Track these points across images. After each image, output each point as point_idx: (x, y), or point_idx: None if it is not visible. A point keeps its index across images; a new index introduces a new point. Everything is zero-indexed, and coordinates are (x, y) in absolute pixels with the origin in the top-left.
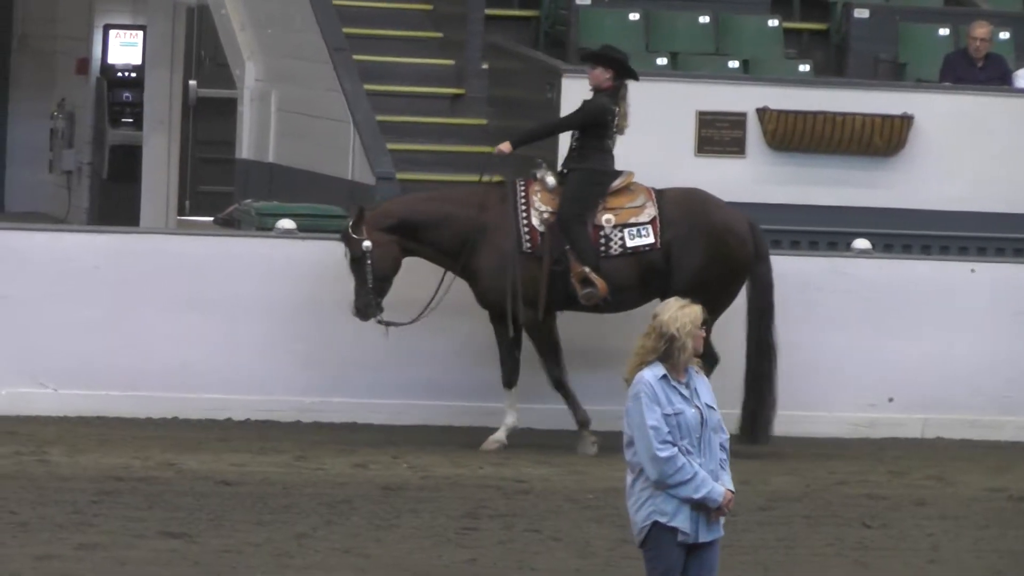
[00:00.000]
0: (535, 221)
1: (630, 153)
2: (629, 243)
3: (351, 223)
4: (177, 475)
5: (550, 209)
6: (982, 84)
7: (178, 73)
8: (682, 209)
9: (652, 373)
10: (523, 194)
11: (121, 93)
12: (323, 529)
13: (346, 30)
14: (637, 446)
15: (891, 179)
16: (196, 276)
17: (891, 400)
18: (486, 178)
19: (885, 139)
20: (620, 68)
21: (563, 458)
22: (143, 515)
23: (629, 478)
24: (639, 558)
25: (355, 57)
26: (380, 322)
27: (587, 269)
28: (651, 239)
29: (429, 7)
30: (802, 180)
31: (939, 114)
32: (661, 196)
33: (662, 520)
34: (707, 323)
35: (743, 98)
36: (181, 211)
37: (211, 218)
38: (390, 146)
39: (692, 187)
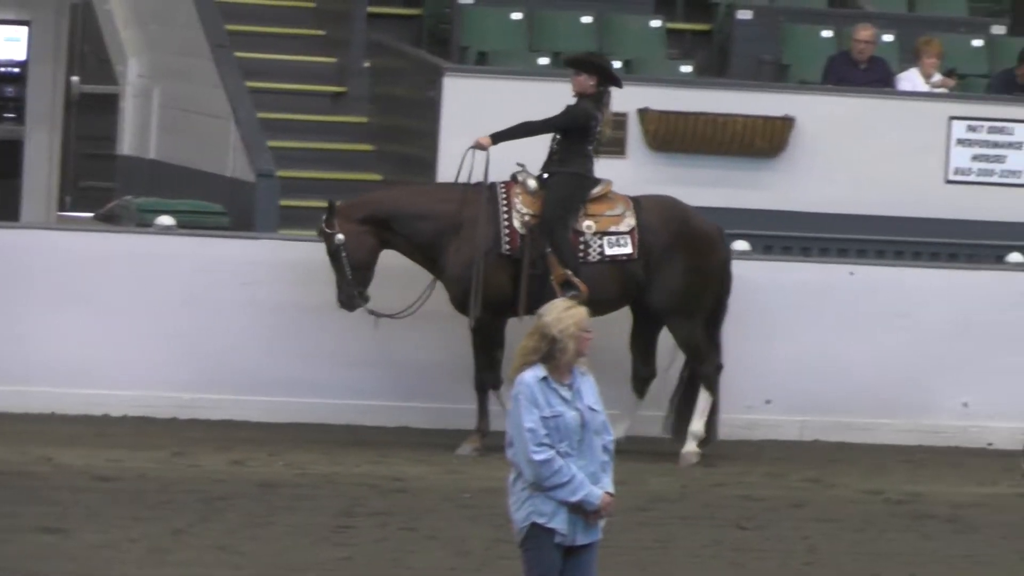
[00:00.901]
0: (516, 223)
1: (511, 152)
2: (608, 251)
3: (323, 218)
4: (54, 470)
5: (531, 212)
6: (865, 86)
7: (61, 69)
8: (660, 218)
9: (533, 374)
10: (504, 196)
11: (3, 88)
12: (199, 526)
13: (229, 27)
14: (516, 447)
15: (772, 181)
16: (76, 271)
17: (768, 402)
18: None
19: (767, 141)
20: (603, 74)
21: (440, 457)
22: (19, 510)
23: (511, 477)
24: (516, 557)
25: (237, 54)
26: (368, 312)
27: (569, 272)
28: (629, 249)
29: (312, 4)
30: (683, 181)
31: (821, 116)
32: (638, 205)
33: (540, 521)
34: (688, 325)
35: (625, 98)
36: (62, 207)
37: (92, 214)
38: (271, 143)
39: (666, 195)
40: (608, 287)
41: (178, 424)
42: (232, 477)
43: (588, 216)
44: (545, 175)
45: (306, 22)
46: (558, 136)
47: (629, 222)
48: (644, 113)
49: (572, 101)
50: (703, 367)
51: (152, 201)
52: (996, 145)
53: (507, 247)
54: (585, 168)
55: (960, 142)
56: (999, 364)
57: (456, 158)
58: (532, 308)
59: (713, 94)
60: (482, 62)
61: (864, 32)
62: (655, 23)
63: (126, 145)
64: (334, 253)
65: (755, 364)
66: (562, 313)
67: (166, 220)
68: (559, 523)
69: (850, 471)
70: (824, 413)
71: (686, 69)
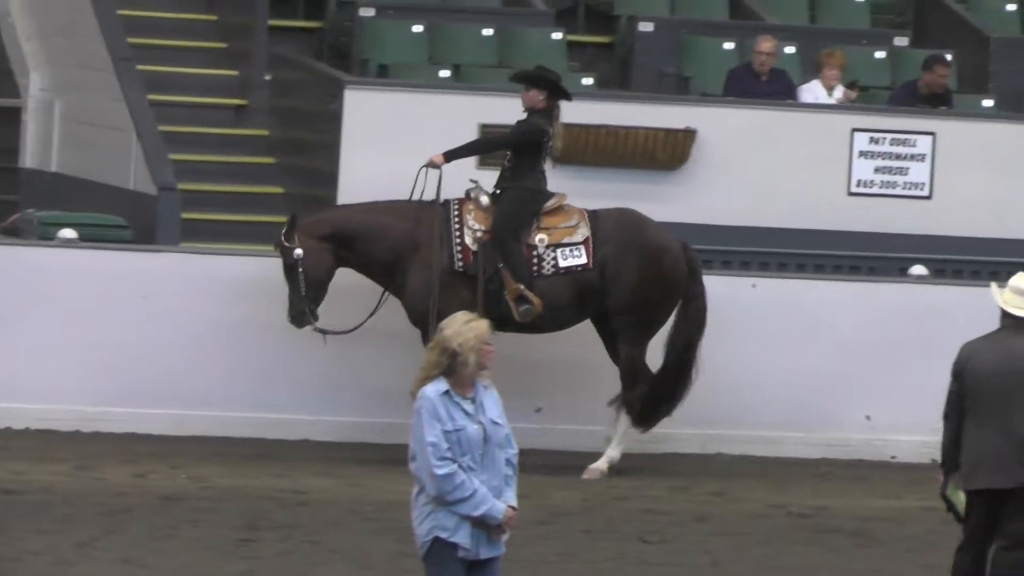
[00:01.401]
0: (468, 240)
1: (415, 166)
2: (562, 263)
3: (283, 231)
4: None
5: (483, 228)
6: (767, 98)
7: None
8: (616, 229)
9: (434, 388)
10: (457, 212)
11: None
12: (103, 539)
13: (131, 40)
14: (418, 461)
15: (674, 193)
16: None
17: (672, 415)
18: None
19: (668, 153)
20: (553, 89)
21: (343, 470)
22: None
23: (414, 491)
24: (418, 571)
25: (139, 67)
26: (316, 330)
27: (522, 287)
28: (583, 259)
29: (214, 18)
30: (585, 193)
31: (723, 128)
32: (595, 217)
33: (443, 535)
34: (637, 341)
35: None
36: None
37: None
38: (173, 156)
39: (625, 207)
40: (564, 299)
41: (81, 437)
42: (135, 490)
43: (541, 229)
44: (498, 191)
45: (208, 35)
46: (510, 152)
47: (583, 232)
48: None
49: (522, 116)
50: (631, 392)
51: (54, 214)
52: (899, 157)
53: (460, 264)
54: (536, 183)
55: (862, 154)
56: (902, 377)
57: (358, 170)
58: (491, 325)
59: (615, 106)
60: (383, 75)
61: (765, 44)
62: (556, 35)
63: (28, 158)
64: (291, 268)
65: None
66: (462, 326)
67: (68, 233)
68: (462, 537)
69: (754, 485)
70: (728, 427)
71: (588, 82)
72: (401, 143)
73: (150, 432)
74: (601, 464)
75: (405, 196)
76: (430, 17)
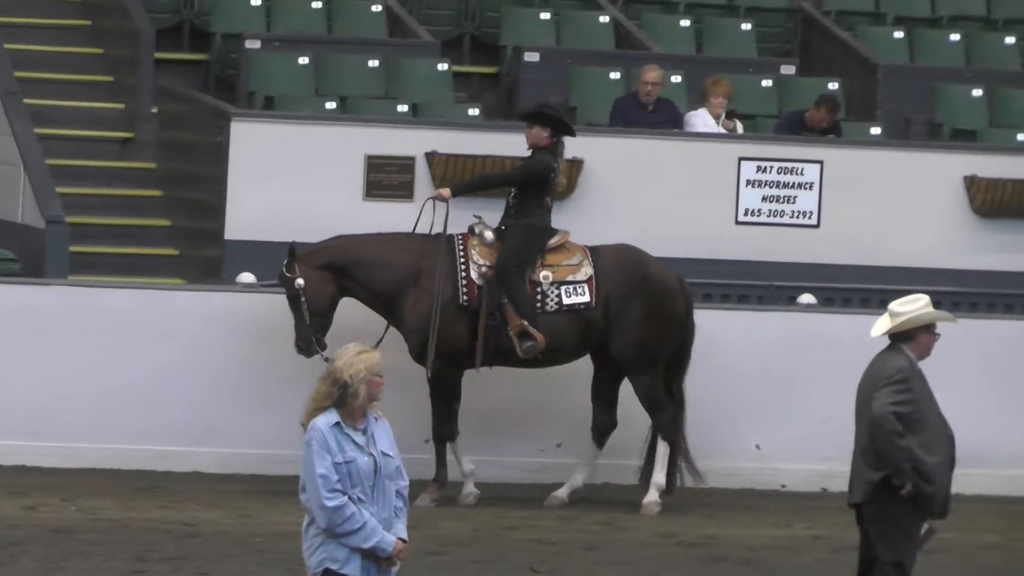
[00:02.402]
0: (473, 274)
1: (302, 198)
2: (565, 300)
3: (285, 263)
4: None
5: (488, 263)
6: (653, 127)
7: None
8: (618, 266)
9: (325, 420)
10: (462, 247)
11: None
12: None
13: (18, 74)
14: (308, 493)
15: (560, 222)
16: None
17: (559, 446)
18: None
19: None
20: (557, 125)
21: (232, 502)
22: None
23: (305, 522)
24: None
25: (27, 101)
26: (326, 360)
27: (526, 323)
28: (587, 298)
29: (100, 51)
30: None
31: (609, 158)
32: (596, 253)
33: (333, 567)
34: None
35: (412, 142)
36: None
37: None
38: (61, 190)
39: (624, 243)
40: (567, 336)
41: None
42: (26, 522)
43: (545, 266)
44: (503, 227)
45: (94, 69)
46: (514, 188)
47: (586, 271)
48: (432, 156)
49: (526, 153)
50: (659, 417)
51: None
52: (786, 186)
53: (464, 298)
54: (541, 219)
55: (750, 183)
56: (791, 406)
57: (245, 202)
58: (490, 360)
59: (500, 137)
60: (269, 107)
61: (651, 74)
62: (442, 66)
63: None
64: (293, 298)
65: (546, 407)
66: (353, 358)
67: None
68: (352, 569)
69: (642, 514)
70: (616, 456)
71: (474, 112)
72: (288, 175)
73: (39, 464)
74: (653, 496)
75: (297, 227)
76: (316, 49)
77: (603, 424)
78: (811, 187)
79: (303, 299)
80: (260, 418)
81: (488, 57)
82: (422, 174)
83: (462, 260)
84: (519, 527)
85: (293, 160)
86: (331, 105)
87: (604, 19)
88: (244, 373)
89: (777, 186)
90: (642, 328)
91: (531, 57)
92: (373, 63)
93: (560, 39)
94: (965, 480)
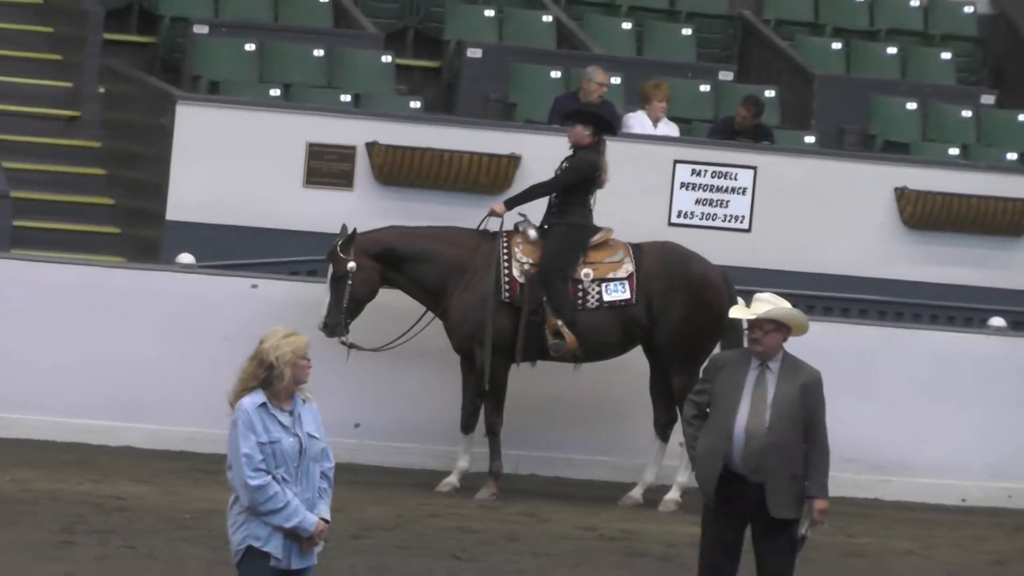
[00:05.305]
0: (516, 272)
1: (243, 182)
2: (606, 297)
3: (340, 242)
4: None
5: (531, 261)
6: None
7: None
8: (661, 263)
9: (251, 400)
10: (505, 245)
11: None
12: None
13: None
14: (233, 471)
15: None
16: None
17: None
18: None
19: (491, 178)
20: (599, 123)
21: (161, 478)
22: None
23: (230, 500)
24: None
25: None
26: (343, 343)
27: (560, 323)
28: (627, 294)
29: (48, 29)
30: (407, 215)
31: (547, 155)
32: (639, 250)
33: (256, 544)
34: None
35: (353, 131)
36: None
37: None
38: (5, 164)
39: (667, 241)
40: (608, 333)
41: None
42: None
43: (587, 264)
44: (545, 226)
45: (42, 47)
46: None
47: (627, 268)
48: (372, 146)
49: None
50: None
51: None
52: (720, 190)
53: (507, 295)
54: (584, 218)
55: (684, 185)
56: None
57: (187, 184)
58: (532, 355)
59: (440, 130)
60: (214, 91)
61: (601, 75)
62: (385, 58)
63: None
64: (339, 279)
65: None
66: (280, 340)
67: None
68: (274, 547)
69: (565, 507)
70: (541, 448)
71: (415, 105)
72: (230, 159)
73: None
74: (674, 495)
75: (238, 211)
76: (262, 36)
77: (664, 419)
78: (744, 192)
79: (349, 282)
80: (191, 396)
81: (431, 51)
82: (362, 163)
83: (505, 257)
84: (442, 515)
85: (236, 144)
86: (275, 92)
87: (547, 18)
88: (178, 351)
89: (711, 190)
90: (684, 325)
91: (473, 53)
92: (318, 52)
93: (502, 36)
94: (884, 487)
